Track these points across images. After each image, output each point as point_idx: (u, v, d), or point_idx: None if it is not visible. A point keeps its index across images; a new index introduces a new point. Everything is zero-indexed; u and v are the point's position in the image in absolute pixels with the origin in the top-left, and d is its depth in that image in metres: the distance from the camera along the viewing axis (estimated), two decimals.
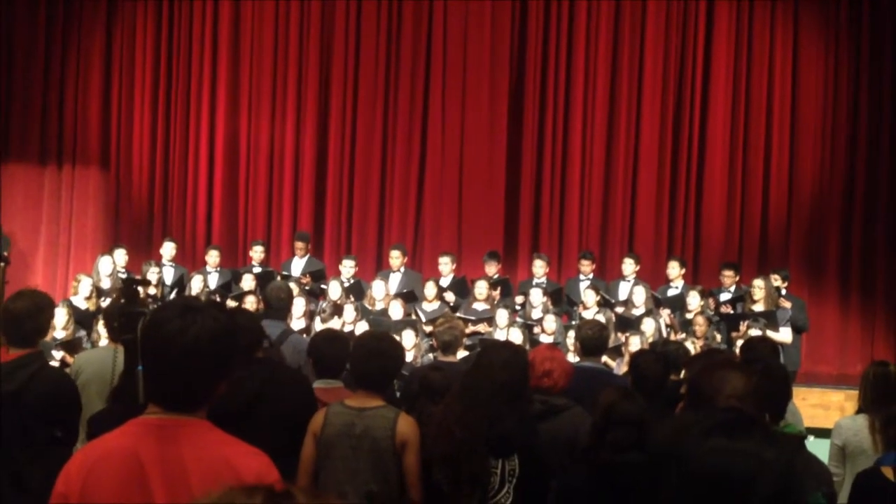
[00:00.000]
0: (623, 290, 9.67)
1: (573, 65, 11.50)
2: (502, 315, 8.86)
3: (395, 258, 10.05)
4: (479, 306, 9.22)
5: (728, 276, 9.52)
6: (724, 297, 9.30)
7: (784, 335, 8.70)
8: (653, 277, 10.22)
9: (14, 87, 11.87)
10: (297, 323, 8.50)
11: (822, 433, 6.03)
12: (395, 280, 9.90)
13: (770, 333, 8.23)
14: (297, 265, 10.26)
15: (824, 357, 10.90)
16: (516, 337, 8.14)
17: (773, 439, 1.51)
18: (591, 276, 9.94)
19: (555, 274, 10.82)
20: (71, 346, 7.24)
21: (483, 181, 11.53)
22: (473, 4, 11.55)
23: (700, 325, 8.48)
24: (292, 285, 8.66)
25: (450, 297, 9.53)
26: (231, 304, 8.75)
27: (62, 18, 11.95)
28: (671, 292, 9.57)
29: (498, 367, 3.73)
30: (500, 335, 8.47)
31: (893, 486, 3.44)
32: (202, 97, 11.92)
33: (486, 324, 8.92)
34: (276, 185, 11.91)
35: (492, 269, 10.00)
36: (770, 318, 8.68)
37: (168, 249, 10.33)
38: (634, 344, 7.79)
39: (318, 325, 8.63)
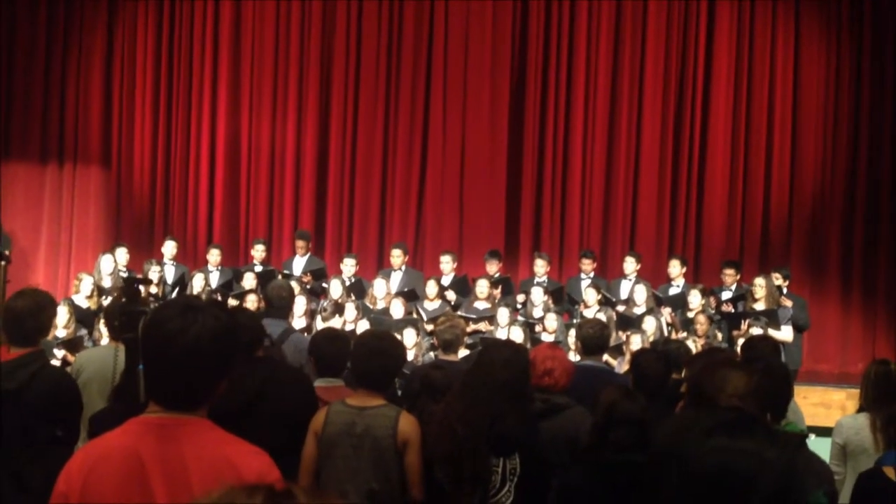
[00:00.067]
0: (624, 288, 9.67)
1: (574, 64, 11.50)
2: (503, 314, 8.86)
3: (397, 257, 10.05)
4: (481, 305, 9.22)
5: (729, 275, 9.52)
6: (726, 295, 9.29)
7: (785, 334, 8.70)
8: (654, 276, 10.22)
9: (15, 86, 11.87)
10: (298, 322, 8.51)
11: (823, 432, 6.03)
12: (397, 279, 9.90)
13: (771, 332, 8.22)
14: (299, 264, 10.27)
15: (825, 356, 10.90)
16: (517, 336, 8.14)
17: (775, 438, 1.50)
18: (592, 274, 9.94)
19: (556, 272, 10.82)
20: (72, 344, 7.25)
21: (484, 180, 11.53)
22: (474, 4, 11.54)
23: (701, 323, 8.48)
24: (293, 284, 8.66)
25: (451, 295, 9.54)
26: (232, 302, 8.76)
27: (63, 17, 11.95)
28: (672, 291, 9.57)
29: (499, 366, 3.73)
30: (501, 334, 8.48)
31: (895, 485, 3.44)
32: (203, 96, 11.92)
33: (487, 322, 8.92)
34: (277, 183, 11.91)
35: (493, 267, 10.00)
36: (771, 317, 8.68)
37: (169, 248, 10.34)
38: (635, 343, 7.79)
39: (320, 324, 8.64)
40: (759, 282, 9.01)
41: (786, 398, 3.68)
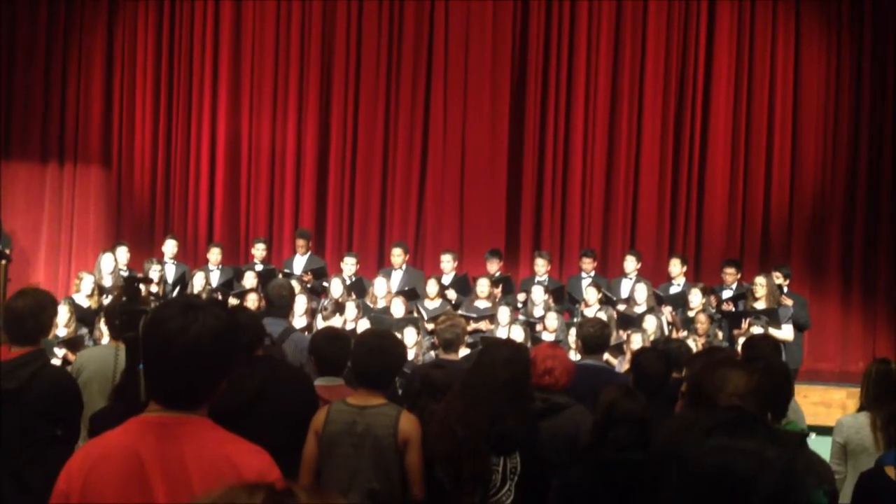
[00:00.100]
0: (625, 287, 9.67)
1: (575, 63, 11.50)
2: (504, 313, 8.86)
3: (397, 256, 10.05)
4: (481, 304, 9.22)
5: (730, 274, 9.51)
6: (726, 294, 9.29)
7: (786, 333, 8.69)
8: (654, 275, 10.22)
9: (15, 86, 11.88)
10: (298, 321, 8.51)
11: (823, 431, 6.03)
12: (397, 278, 9.90)
13: (772, 331, 8.22)
14: (299, 263, 10.27)
15: (826, 355, 10.91)
16: (518, 335, 8.14)
17: (775, 438, 1.50)
18: (592, 273, 9.94)
19: (556, 271, 10.82)
20: (73, 343, 7.25)
21: (485, 179, 11.53)
22: (475, 4, 11.54)
23: (702, 322, 8.48)
24: (294, 283, 8.65)
25: (451, 294, 9.54)
26: (233, 301, 8.77)
27: (63, 17, 11.95)
28: (673, 290, 9.56)
29: (500, 365, 3.73)
30: (501, 333, 8.47)
31: None
32: (204, 95, 11.92)
33: (487, 321, 8.92)
34: (277, 182, 11.91)
35: (493, 266, 10.00)
36: (772, 316, 8.67)
37: (170, 247, 10.34)
38: (636, 342, 7.79)
39: (320, 323, 8.64)
40: (760, 281, 9.01)
41: (786, 397, 3.68)
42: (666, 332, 8.60)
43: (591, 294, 9.24)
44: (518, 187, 11.55)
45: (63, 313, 7.83)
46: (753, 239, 11.20)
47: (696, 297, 9.02)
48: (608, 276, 10.47)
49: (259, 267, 10.03)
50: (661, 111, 11.34)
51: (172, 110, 12.02)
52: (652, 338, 8.08)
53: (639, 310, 8.99)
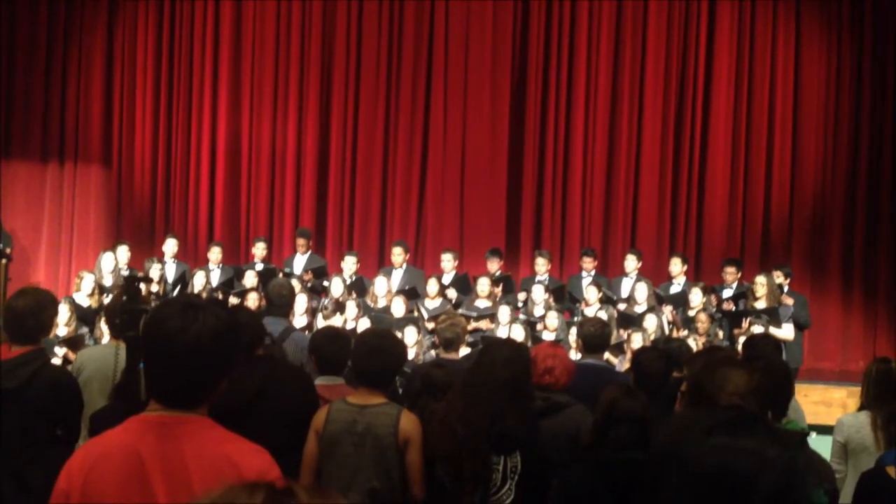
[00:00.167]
0: (625, 286, 9.67)
1: (575, 62, 11.49)
2: (504, 312, 8.86)
3: (398, 255, 10.05)
4: (482, 303, 9.22)
5: (730, 273, 9.51)
6: (727, 293, 9.29)
7: (786, 332, 8.69)
8: (655, 274, 10.22)
9: (16, 85, 11.88)
10: (299, 320, 8.51)
11: (824, 430, 6.03)
12: (398, 277, 9.89)
13: (772, 330, 8.22)
14: (299, 262, 10.27)
15: (826, 354, 10.91)
16: (518, 334, 8.13)
17: (776, 437, 1.50)
18: (593, 272, 9.93)
19: (557, 271, 10.82)
20: (73, 342, 7.26)
21: (485, 178, 11.53)
22: (475, 4, 11.53)
23: (702, 321, 8.48)
24: (294, 282, 8.67)
25: (452, 293, 9.53)
26: (233, 301, 8.77)
27: (64, 16, 11.95)
28: (673, 289, 9.56)
29: (500, 365, 3.73)
30: (502, 332, 8.47)
31: None
32: (204, 94, 11.92)
33: (488, 321, 8.92)
34: (277, 181, 11.91)
35: (494, 265, 9.99)
36: (772, 315, 8.67)
37: (170, 246, 10.34)
38: (636, 341, 7.79)
39: (321, 322, 8.64)
40: (760, 280, 9.00)
41: (787, 396, 3.68)
42: (666, 332, 8.59)
43: (591, 293, 9.24)
44: (518, 186, 11.54)
45: (63, 312, 7.84)
46: (754, 238, 11.20)
47: (696, 297, 9.02)
48: (609, 275, 10.47)
49: (259, 266, 10.03)
50: (662, 110, 11.33)
51: (173, 109, 12.02)
52: (652, 337, 8.09)
53: (639, 309, 8.99)
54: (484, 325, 8.88)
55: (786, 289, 9.31)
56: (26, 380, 3.75)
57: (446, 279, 9.76)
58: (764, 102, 11.24)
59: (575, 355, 6.48)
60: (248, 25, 11.87)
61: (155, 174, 12.02)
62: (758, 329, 8.14)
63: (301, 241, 10.41)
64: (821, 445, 4.12)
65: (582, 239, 11.31)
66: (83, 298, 8.89)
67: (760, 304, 8.87)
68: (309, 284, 9.65)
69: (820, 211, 11.16)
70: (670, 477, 1.49)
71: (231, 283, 9.81)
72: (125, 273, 9.34)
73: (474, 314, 8.91)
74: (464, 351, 6.23)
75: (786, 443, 1.51)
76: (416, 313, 9.03)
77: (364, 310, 9.00)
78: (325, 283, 9.70)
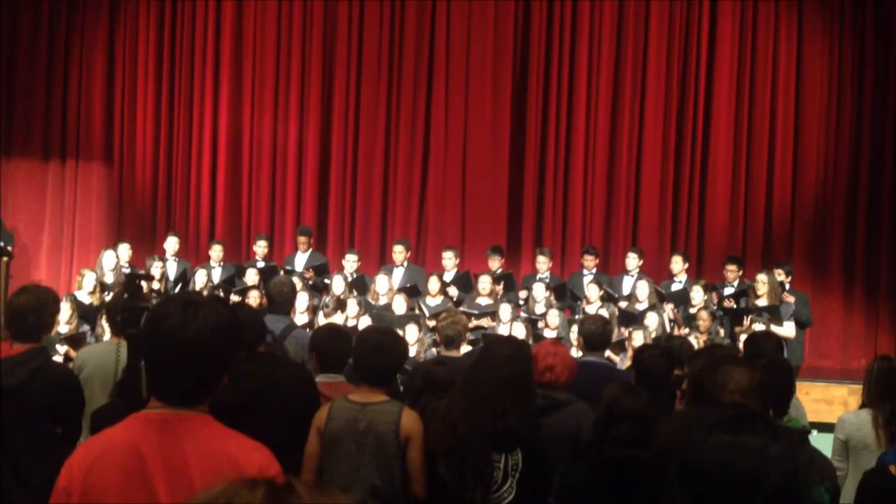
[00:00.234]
0: (626, 284, 9.66)
1: (576, 60, 11.49)
2: (505, 310, 8.86)
3: (399, 253, 10.05)
4: (483, 301, 9.22)
5: (731, 271, 9.51)
6: (728, 291, 9.28)
7: (787, 330, 8.69)
8: (656, 272, 10.22)
9: (17, 83, 11.87)
10: (300, 318, 8.51)
11: (825, 428, 6.02)
12: (399, 275, 9.89)
13: (774, 328, 8.22)
14: (301, 260, 10.27)
15: (828, 352, 10.91)
16: (520, 332, 8.13)
17: (777, 435, 1.50)
18: (594, 270, 9.93)
19: (558, 269, 10.83)
20: (74, 340, 7.26)
21: (486, 176, 11.53)
22: (476, 2, 11.52)
23: (703, 319, 8.47)
24: (295, 280, 8.67)
25: (453, 291, 9.53)
26: (234, 298, 8.77)
27: (65, 13, 11.95)
28: (675, 287, 9.56)
29: (501, 362, 3.73)
30: (503, 330, 8.46)
31: None
32: (205, 92, 11.92)
33: (489, 318, 8.92)
34: (279, 179, 11.91)
35: (495, 263, 9.99)
36: (773, 313, 8.66)
37: (171, 244, 10.35)
38: (637, 339, 7.78)
39: (322, 320, 8.64)
40: (762, 278, 8.99)
41: (788, 394, 3.68)
42: (668, 330, 8.59)
43: (592, 291, 9.23)
44: (520, 184, 11.54)
45: (65, 310, 7.84)
46: (755, 236, 11.20)
47: (697, 294, 9.02)
48: (610, 273, 10.47)
49: (261, 264, 10.03)
50: (663, 109, 11.33)
51: (174, 107, 12.02)
52: (654, 335, 8.08)
53: (640, 307, 8.99)
54: (485, 322, 8.88)
55: (787, 287, 9.30)
56: (27, 377, 3.75)
57: (447, 277, 9.76)
58: (765, 101, 11.24)
59: (576, 353, 6.48)
60: (250, 23, 11.86)
61: (156, 172, 12.02)
62: (759, 327, 8.13)
63: (302, 239, 10.41)
64: (822, 443, 4.12)
65: (583, 237, 11.31)
66: (84, 296, 8.89)
67: (762, 302, 8.86)
68: (310, 282, 9.65)
69: (821, 209, 11.16)
70: (672, 475, 1.49)
71: (232, 280, 9.81)
72: (126, 271, 9.34)
73: (475, 312, 8.91)
74: (465, 349, 6.23)
75: (787, 440, 1.51)
76: (417, 311, 9.03)
77: (365, 307, 9.00)
78: (327, 281, 9.70)
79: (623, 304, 9.19)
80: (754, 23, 11.24)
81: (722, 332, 8.67)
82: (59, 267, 11.92)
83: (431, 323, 8.42)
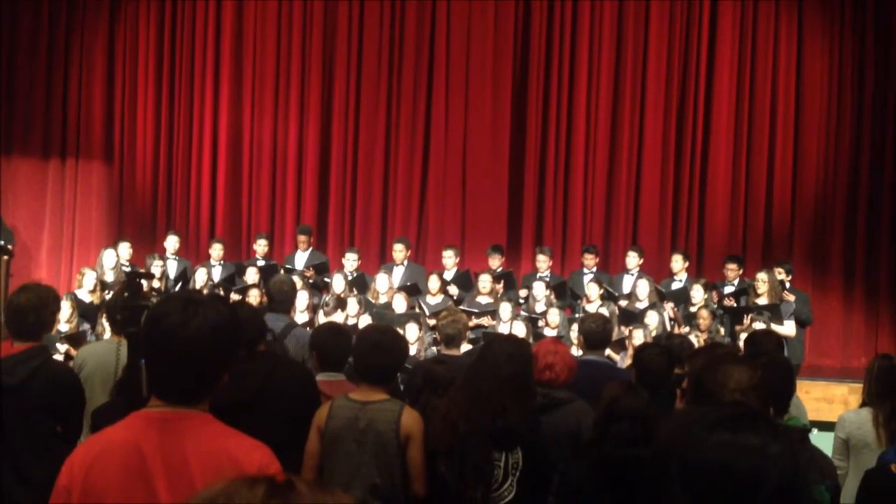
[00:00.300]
0: (627, 283, 9.66)
1: (577, 59, 11.48)
2: (506, 308, 8.86)
3: (399, 251, 10.05)
4: (483, 300, 9.22)
5: (732, 270, 9.51)
6: (728, 290, 9.28)
7: (788, 328, 8.68)
8: (656, 271, 10.22)
9: (17, 81, 11.88)
10: (300, 316, 8.51)
11: (825, 426, 6.02)
12: (399, 273, 9.90)
13: (774, 327, 8.21)
14: (301, 258, 10.27)
15: (828, 350, 10.91)
16: (520, 330, 8.13)
17: (778, 433, 1.50)
18: (594, 269, 9.93)
19: (558, 267, 10.83)
20: (75, 339, 7.26)
21: (487, 175, 11.52)
22: (477, 1, 11.52)
23: (704, 318, 8.47)
24: (296, 279, 8.67)
25: (453, 290, 9.53)
26: (234, 297, 8.76)
27: (65, 12, 11.95)
28: (675, 285, 9.56)
29: (502, 361, 3.73)
30: (503, 328, 8.47)
31: None
32: (205, 91, 11.92)
33: (489, 317, 8.92)
34: (279, 178, 11.91)
35: (495, 262, 10.00)
36: (774, 312, 8.66)
37: (172, 243, 10.35)
38: (638, 337, 7.79)
39: (322, 319, 8.63)
40: (762, 276, 8.99)
41: (789, 393, 3.68)
42: (668, 328, 8.59)
43: (592, 290, 9.24)
44: (520, 183, 11.54)
45: (65, 309, 7.84)
46: (755, 235, 11.19)
47: (697, 293, 9.02)
48: (610, 271, 10.47)
49: (261, 263, 10.03)
50: (664, 107, 11.32)
51: (174, 106, 12.02)
52: (654, 334, 8.08)
53: (641, 306, 8.99)
54: (485, 321, 8.88)
55: (787, 285, 9.30)
56: (28, 376, 3.75)
57: (448, 276, 9.76)
58: (766, 100, 11.23)
59: (576, 352, 6.48)
60: (250, 22, 11.86)
61: (156, 171, 12.03)
62: (759, 326, 8.13)
63: (302, 238, 10.41)
64: (822, 442, 4.11)
65: (583, 235, 11.31)
66: (85, 295, 8.90)
67: (762, 301, 8.85)
68: (310, 281, 9.65)
69: (821, 207, 11.15)
70: (672, 474, 1.49)
71: (232, 279, 9.82)
72: (127, 269, 9.34)
73: (476, 311, 8.91)
74: (465, 347, 6.23)
75: (788, 439, 1.51)
76: (417, 310, 9.04)
77: (365, 306, 9.00)
78: (327, 280, 9.70)
79: (623, 303, 9.19)
80: (754, 22, 11.24)
81: (722, 330, 8.67)
82: (59, 265, 11.92)
83: (432, 321, 8.41)
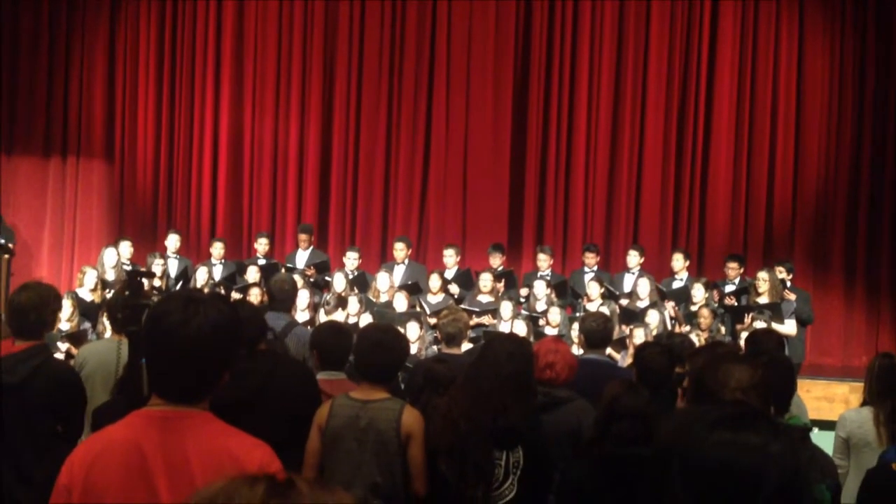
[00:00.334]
0: (627, 282, 9.66)
1: (578, 58, 11.48)
2: (506, 307, 8.86)
3: (400, 250, 10.05)
4: (484, 298, 9.22)
5: (732, 269, 9.51)
6: (729, 289, 9.28)
7: (788, 327, 8.68)
8: (657, 269, 10.22)
9: (18, 80, 11.88)
10: (301, 315, 8.51)
11: (826, 425, 6.03)
12: (400, 272, 9.90)
13: (775, 325, 8.21)
14: (302, 257, 10.28)
15: (829, 349, 10.91)
16: (520, 329, 8.14)
17: (779, 432, 1.50)
18: (595, 268, 9.93)
19: (559, 266, 10.82)
20: (76, 337, 7.26)
21: (487, 173, 11.52)
22: (477, 2, 11.51)
23: (704, 317, 8.47)
24: (296, 277, 8.67)
25: (454, 289, 9.54)
26: (235, 296, 8.77)
27: (66, 11, 11.96)
28: (676, 284, 9.56)
29: (502, 360, 3.73)
30: (504, 327, 8.47)
31: None
32: (206, 89, 11.92)
33: (490, 316, 8.92)
34: (280, 177, 11.92)
35: (496, 261, 10.00)
36: (775, 311, 8.65)
37: (172, 241, 10.35)
38: (638, 336, 7.78)
39: (323, 318, 8.64)
40: (763, 275, 8.98)
41: (789, 392, 3.68)
42: (669, 327, 8.59)
43: (593, 289, 9.23)
44: (521, 182, 11.54)
45: (66, 307, 7.83)
46: (756, 234, 11.19)
47: (698, 292, 9.02)
48: (611, 270, 10.47)
49: (262, 261, 10.04)
50: (665, 106, 11.32)
51: (175, 104, 12.02)
52: (655, 332, 8.08)
53: (641, 304, 8.98)
54: (486, 320, 8.88)
55: (788, 284, 9.29)
56: (29, 375, 3.75)
57: (448, 274, 9.77)
58: (767, 98, 11.23)
59: (577, 351, 6.48)
60: (251, 20, 11.86)
61: (157, 169, 12.03)
62: (760, 324, 8.12)
63: (303, 237, 10.41)
64: (823, 441, 4.12)
65: (584, 234, 11.31)
66: (86, 293, 8.90)
67: (763, 300, 8.85)
68: (311, 279, 9.65)
69: (822, 206, 11.15)
70: (673, 473, 1.49)
71: (233, 278, 9.82)
72: (128, 268, 9.34)
73: (476, 309, 8.91)
74: (466, 346, 6.23)
75: (788, 438, 1.51)
76: (418, 308, 9.04)
77: (366, 305, 9.01)
78: (328, 279, 9.71)
79: (624, 302, 9.19)
80: (755, 21, 11.23)
81: (723, 329, 8.67)
82: (59, 264, 11.93)
83: (432, 320, 8.41)
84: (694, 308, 8.88)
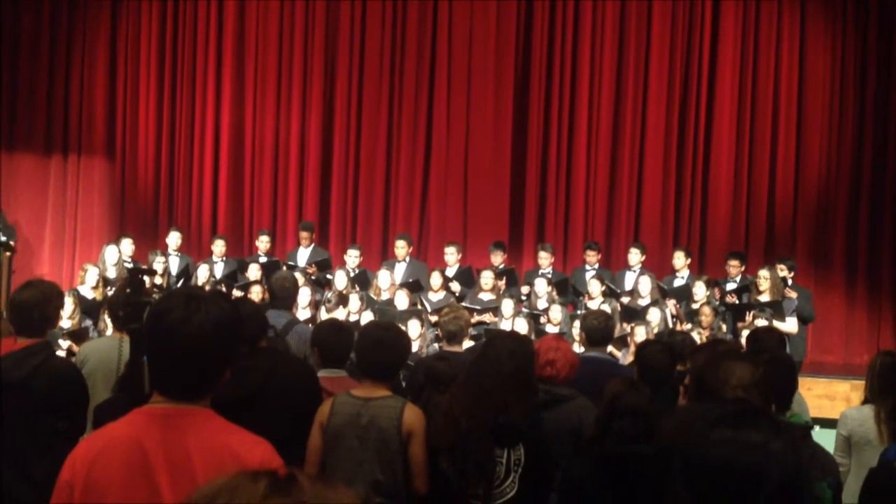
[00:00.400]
0: (629, 280, 9.66)
1: (579, 56, 11.47)
2: (508, 305, 8.86)
3: (401, 248, 10.05)
4: (485, 296, 9.22)
5: (734, 266, 9.51)
6: (730, 287, 9.27)
7: (790, 325, 8.68)
8: (659, 267, 10.22)
9: (20, 78, 11.88)
10: (302, 313, 8.51)
11: (827, 423, 6.03)
12: (401, 270, 9.90)
13: (776, 323, 8.21)
14: (303, 255, 10.28)
15: (830, 347, 10.90)
16: (522, 327, 8.14)
17: (780, 430, 1.50)
18: (596, 266, 9.93)
19: (560, 264, 10.83)
20: (77, 335, 7.26)
21: (489, 171, 11.52)
22: (478, 2, 11.51)
23: (706, 315, 8.47)
24: (298, 275, 8.67)
25: (455, 286, 9.54)
26: (237, 293, 8.77)
27: (67, 8, 11.96)
28: (677, 282, 9.56)
29: (503, 357, 3.73)
30: (505, 325, 8.47)
31: None
32: (207, 87, 11.93)
33: (491, 314, 8.92)
34: (281, 175, 11.92)
35: (497, 259, 10.00)
36: (776, 308, 8.65)
37: (174, 239, 10.36)
38: (640, 334, 7.79)
39: (324, 315, 8.64)
40: (764, 273, 8.98)
41: (791, 390, 3.68)
42: (670, 325, 8.59)
43: (594, 286, 9.24)
44: (522, 180, 11.54)
45: (68, 305, 7.83)
46: (758, 232, 11.19)
47: (700, 290, 9.02)
48: (612, 268, 10.48)
49: (263, 259, 10.04)
50: (666, 105, 11.32)
51: (176, 102, 12.03)
52: (656, 330, 8.08)
53: (643, 302, 8.98)
54: (487, 318, 8.88)
55: (789, 282, 9.29)
56: (31, 372, 3.75)
57: (450, 272, 9.77)
58: (768, 97, 11.22)
59: (578, 348, 6.48)
60: (252, 18, 11.86)
61: (158, 167, 12.04)
62: (761, 322, 8.12)
63: (304, 234, 10.41)
64: (824, 439, 4.12)
65: (585, 232, 11.31)
66: (87, 291, 8.90)
67: (764, 298, 8.85)
68: (312, 277, 9.65)
69: (824, 204, 11.15)
70: (674, 470, 1.49)
71: (234, 275, 9.83)
72: (129, 266, 9.35)
73: (478, 307, 8.91)
74: (467, 344, 6.23)
75: (790, 436, 1.51)
76: (419, 306, 9.04)
77: (367, 303, 9.01)
78: (329, 276, 9.71)
79: (625, 300, 9.19)
80: (757, 20, 11.23)
81: (724, 327, 8.67)
82: (61, 262, 11.94)
83: (433, 318, 8.42)
84: (695, 306, 8.88)
